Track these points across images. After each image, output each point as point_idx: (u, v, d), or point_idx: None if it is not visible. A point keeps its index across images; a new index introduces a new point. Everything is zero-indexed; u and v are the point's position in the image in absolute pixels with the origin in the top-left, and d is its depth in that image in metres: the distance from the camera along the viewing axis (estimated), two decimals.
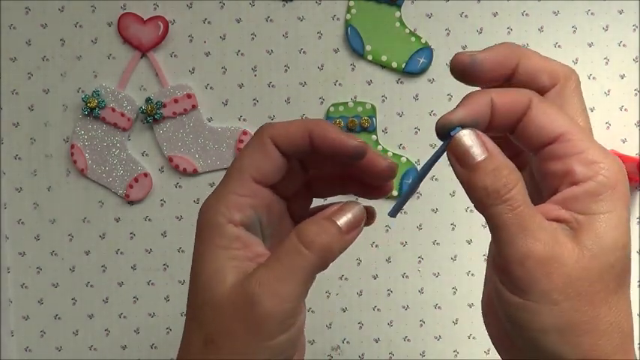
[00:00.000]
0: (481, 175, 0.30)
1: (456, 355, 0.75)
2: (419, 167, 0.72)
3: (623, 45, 0.72)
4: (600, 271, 0.29)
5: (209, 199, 0.34)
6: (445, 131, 0.31)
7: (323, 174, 0.37)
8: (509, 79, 0.33)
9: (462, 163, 0.31)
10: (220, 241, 0.33)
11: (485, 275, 0.35)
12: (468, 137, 0.31)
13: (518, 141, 0.33)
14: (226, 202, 0.33)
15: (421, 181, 0.34)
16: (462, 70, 0.33)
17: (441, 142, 0.32)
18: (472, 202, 0.31)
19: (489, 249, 0.32)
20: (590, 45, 0.72)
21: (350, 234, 0.33)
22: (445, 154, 0.32)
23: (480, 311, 0.35)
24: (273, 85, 0.73)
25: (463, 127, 0.31)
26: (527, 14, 0.72)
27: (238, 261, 0.33)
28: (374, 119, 0.72)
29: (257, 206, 0.34)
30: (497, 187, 0.30)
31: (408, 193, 0.34)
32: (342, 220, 0.33)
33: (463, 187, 0.31)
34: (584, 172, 0.30)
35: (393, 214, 0.35)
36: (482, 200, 0.30)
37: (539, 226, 0.29)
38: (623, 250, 0.30)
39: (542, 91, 0.33)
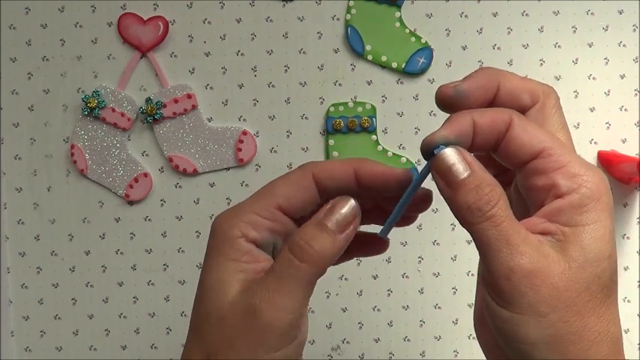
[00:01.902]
0: (464, 192, 0.31)
1: (455, 355, 0.75)
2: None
3: (623, 45, 0.72)
4: (587, 282, 0.30)
5: (226, 212, 0.35)
6: (429, 150, 0.32)
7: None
8: (492, 102, 0.34)
9: (445, 180, 0.32)
10: (231, 253, 0.33)
11: (476, 290, 0.35)
12: (450, 155, 0.31)
13: (502, 159, 0.33)
14: (245, 219, 0.34)
15: (408, 201, 0.34)
16: (448, 102, 0.34)
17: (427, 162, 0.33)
18: (457, 219, 0.31)
19: (479, 264, 0.33)
20: (590, 45, 0.72)
21: (344, 233, 0.33)
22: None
23: None
24: (273, 85, 0.73)
25: (446, 145, 0.32)
26: (527, 14, 0.72)
27: (245, 273, 0.33)
28: (374, 119, 0.72)
29: (275, 231, 0.35)
30: (479, 205, 0.30)
31: (397, 213, 0.35)
32: (333, 222, 0.33)
33: (447, 204, 0.32)
34: (568, 185, 0.31)
35: (384, 235, 0.36)
36: (466, 218, 0.31)
37: (524, 240, 0.30)
38: (609, 260, 0.30)
39: (523, 110, 0.34)
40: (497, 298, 0.30)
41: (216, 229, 0.34)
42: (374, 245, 0.38)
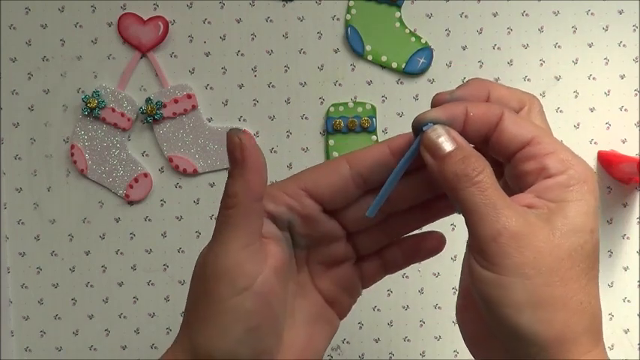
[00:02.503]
0: (451, 163, 0.32)
1: (455, 355, 0.75)
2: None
3: (623, 45, 0.72)
4: (569, 250, 0.31)
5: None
6: (419, 126, 0.34)
7: (399, 210, 0.38)
8: None
9: (432, 154, 0.33)
10: None
11: (461, 274, 0.37)
12: (438, 130, 0.33)
13: (493, 150, 0.35)
14: (269, 191, 0.36)
15: (397, 178, 0.35)
16: None
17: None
18: (444, 189, 0.33)
19: (464, 256, 0.34)
20: (590, 45, 0.72)
21: (246, 166, 0.34)
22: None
23: None
24: (273, 85, 0.73)
25: (435, 124, 0.34)
26: (527, 14, 0.72)
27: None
28: (374, 119, 0.72)
29: (293, 209, 0.36)
30: (466, 172, 0.32)
31: (386, 190, 0.35)
32: (232, 166, 0.34)
33: (435, 177, 0.33)
34: (557, 167, 0.32)
35: (372, 213, 0.36)
36: (454, 185, 0.32)
37: (509, 206, 0.31)
38: (592, 235, 0.31)
39: None
40: (483, 261, 0.31)
41: None
42: (430, 243, 0.40)
